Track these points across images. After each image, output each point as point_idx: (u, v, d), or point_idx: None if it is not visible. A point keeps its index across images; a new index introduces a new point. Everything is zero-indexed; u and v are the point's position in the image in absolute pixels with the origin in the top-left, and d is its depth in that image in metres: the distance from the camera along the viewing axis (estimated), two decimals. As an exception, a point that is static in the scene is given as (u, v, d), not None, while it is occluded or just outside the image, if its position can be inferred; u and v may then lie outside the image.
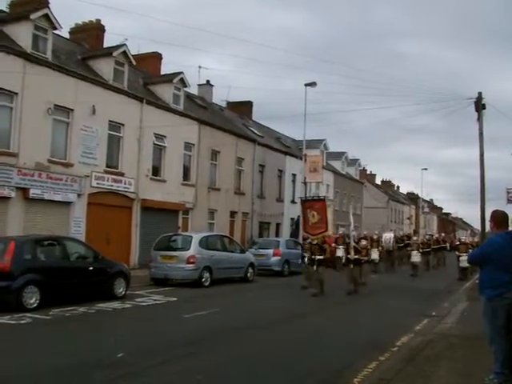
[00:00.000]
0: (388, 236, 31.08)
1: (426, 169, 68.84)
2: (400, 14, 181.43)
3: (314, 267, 17.70)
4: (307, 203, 20.42)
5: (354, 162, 56.76)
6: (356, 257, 18.39)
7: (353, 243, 19.09)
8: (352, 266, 18.24)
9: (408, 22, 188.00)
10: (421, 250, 27.81)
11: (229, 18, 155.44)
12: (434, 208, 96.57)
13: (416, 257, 26.95)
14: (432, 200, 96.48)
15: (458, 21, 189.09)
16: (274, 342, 9.82)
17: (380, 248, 28.30)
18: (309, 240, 19.49)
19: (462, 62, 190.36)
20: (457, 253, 26.32)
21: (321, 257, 17.81)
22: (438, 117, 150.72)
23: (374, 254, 26.14)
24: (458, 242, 30.01)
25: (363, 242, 21.34)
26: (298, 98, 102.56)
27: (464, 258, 22.87)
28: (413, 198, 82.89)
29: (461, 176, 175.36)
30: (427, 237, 34.26)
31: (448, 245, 36.78)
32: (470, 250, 22.65)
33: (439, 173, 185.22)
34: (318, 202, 20.08)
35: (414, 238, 30.96)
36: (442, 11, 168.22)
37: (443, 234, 40.62)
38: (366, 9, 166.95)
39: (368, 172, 68.96)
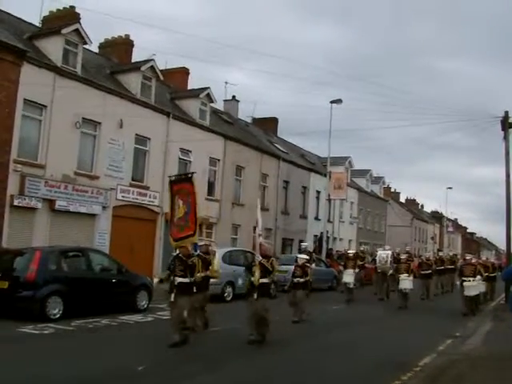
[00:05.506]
0: (384, 254, 23.30)
1: (450, 187, 68.37)
2: (437, 31, 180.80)
3: (172, 296, 10.45)
4: (176, 185, 12.12)
5: (378, 180, 56.61)
6: (265, 281, 11.09)
7: (258, 258, 11.17)
8: (255, 295, 10.94)
9: (444, 39, 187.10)
10: (409, 275, 19.99)
11: (260, 33, 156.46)
12: (458, 227, 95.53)
13: (406, 282, 19.84)
14: (456, 219, 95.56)
15: (496, 38, 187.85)
16: (291, 359, 9.76)
17: (357, 270, 22.21)
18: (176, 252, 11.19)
19: (498, 79, 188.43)
20: (462, 277, 18.23)
21: (185, 279, 10.50)
22: (466, 135, 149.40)
23: (348, 276, 21.49)
24: (480, 261, 22.01)
25: (302, 256, 16.10)
26: (325, 114, 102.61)
27: (470, 283, 17.68)
28: (437, 217, 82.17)
29: (489, 195, 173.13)
30: (427, 255, 27.02)
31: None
32: (482, 272, 19.18)
33: (466, 191, 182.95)
34: (186, 184, 11.90)
35: (403, 257, 22.08)
36: (480, 28, 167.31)
37: (451, 253, 33.50)
38: (401, 25, 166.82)
39: (392, 190, 68.61)
